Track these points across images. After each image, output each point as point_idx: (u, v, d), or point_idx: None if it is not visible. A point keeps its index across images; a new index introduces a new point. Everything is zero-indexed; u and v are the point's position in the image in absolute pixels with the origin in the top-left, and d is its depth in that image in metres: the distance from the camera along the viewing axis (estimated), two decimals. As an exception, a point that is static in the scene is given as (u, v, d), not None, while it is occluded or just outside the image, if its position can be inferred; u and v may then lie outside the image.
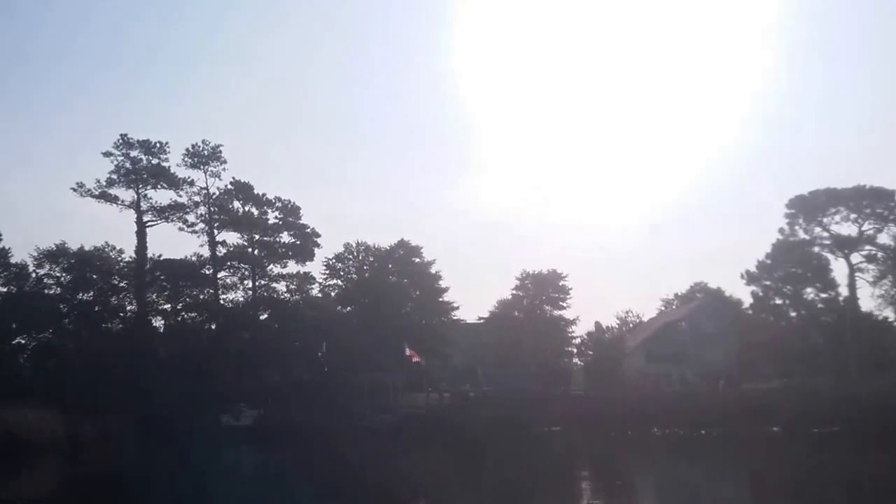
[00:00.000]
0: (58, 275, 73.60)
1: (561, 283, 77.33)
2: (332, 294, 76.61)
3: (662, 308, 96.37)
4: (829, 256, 74.81)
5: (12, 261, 72.92)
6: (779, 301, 76.80)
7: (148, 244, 73.00)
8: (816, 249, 75.08)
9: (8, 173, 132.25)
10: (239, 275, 74.46)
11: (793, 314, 76.78)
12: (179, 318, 75.12)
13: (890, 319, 74.89)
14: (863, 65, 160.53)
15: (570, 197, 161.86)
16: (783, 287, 75.99)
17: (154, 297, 74.36)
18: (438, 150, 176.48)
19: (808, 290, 75.70)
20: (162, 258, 73.31)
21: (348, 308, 75.49)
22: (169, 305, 74.69)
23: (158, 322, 75.67)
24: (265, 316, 75.27)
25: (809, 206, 74.73)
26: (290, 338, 72.35)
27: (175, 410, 61.00)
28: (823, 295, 75.48)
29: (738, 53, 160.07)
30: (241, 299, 74.90)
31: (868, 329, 72.22)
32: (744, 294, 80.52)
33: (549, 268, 78.19)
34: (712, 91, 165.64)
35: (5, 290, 72.78)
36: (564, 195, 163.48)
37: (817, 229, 75.03)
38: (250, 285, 74.51)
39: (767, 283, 76.57)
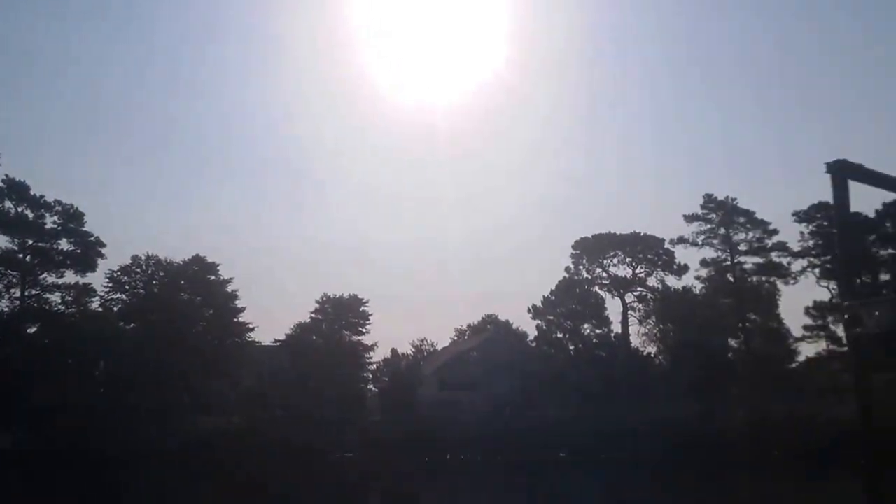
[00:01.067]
0: None
1: (361, 308, 77.95)
2: (115, 309, 71.28)
3: (455, 338, 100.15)
4: (607, 295, 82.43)
5: None
6: (560, 335, 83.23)
7: None
8: (596, 288, 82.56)
9: None
10: (5, 282, 67.29)
11: (571, 347, 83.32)
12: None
13: (653, 355, 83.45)
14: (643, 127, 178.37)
15: (372, 225, 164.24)
16: (564, 322, 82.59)
17: None
18: (245, 167, 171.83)
19: (586, 325, 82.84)
20: None
21: (133, 324, 70.80)
22: (-88, 312, 65.79)
23: None
24: (34, 329, 68.50)
25: (592, 249, 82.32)
26: (62, 354, 66.42)
27: None
28: (598, 331, 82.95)
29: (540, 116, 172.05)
30: (7, 309, 67.68)
31: (636, 363, 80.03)
32: (530, 327, 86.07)
33: (351, 293, 78.71)
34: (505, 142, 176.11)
35: None
36: (368, 222, 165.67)
37: (598, 270, 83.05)
38: (18, 294, 67.67)
39: (550, 317, 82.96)
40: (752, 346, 77.65)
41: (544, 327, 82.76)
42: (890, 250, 73.10)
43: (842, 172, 40.56)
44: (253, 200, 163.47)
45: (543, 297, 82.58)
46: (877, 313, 45.40)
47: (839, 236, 44.24)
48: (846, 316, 44.75)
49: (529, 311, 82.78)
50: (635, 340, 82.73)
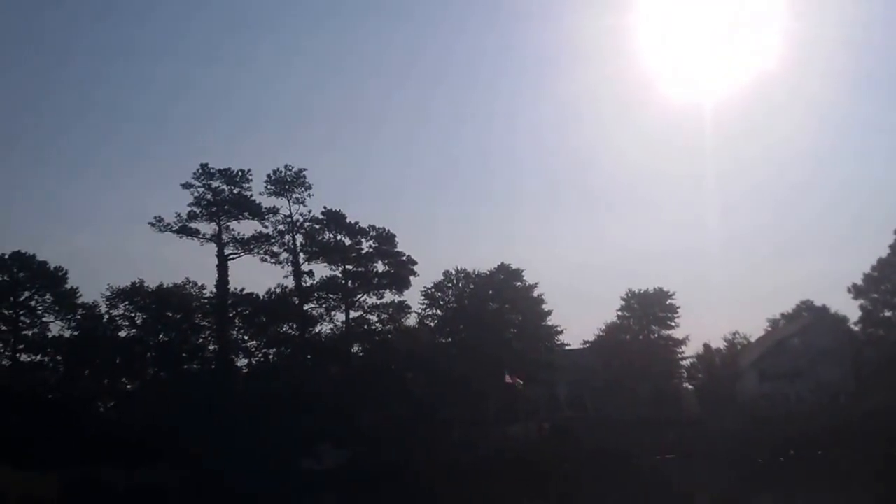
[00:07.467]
0: (132, 315, 77.12)
1: (668, 301, 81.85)
2: (432, 324, 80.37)
3: (769, 328, 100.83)
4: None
5: (81, 301, 75.89)
6: (888, 314, 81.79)
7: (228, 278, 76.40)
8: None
9: (76, 217, 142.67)
10: (326, 306, 78.25)
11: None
12: (262, 355, 78.49)
13: None
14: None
15: (662, 220, 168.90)
16: (892, 299, 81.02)
17: (237, 333, 77.83)
18: (537, 177, 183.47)
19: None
20: (244, 292, 76.94)
21: (445, 339, 79.47)
22: (253, 342, 78.11)
23: (242, 361, 79.11)
24: (357, 349, 78.80)
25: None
26: (384, 372, 75.47)
27: (250, 455, 61.47)
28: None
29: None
30: (329, 332, 78.94)
31: None
32: (849, 310, 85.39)
33: (655, 286, 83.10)
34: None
35: (75, 333, 75.43)
36: (660, 216, 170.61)
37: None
38: (339, 317, 78.68)
39: (875, 295, 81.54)
40: None
41: (869, 307, 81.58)
42: None
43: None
44: (544, 209, 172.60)
45: (864, 274, 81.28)
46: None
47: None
48: None
49: (850, 290, 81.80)
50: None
